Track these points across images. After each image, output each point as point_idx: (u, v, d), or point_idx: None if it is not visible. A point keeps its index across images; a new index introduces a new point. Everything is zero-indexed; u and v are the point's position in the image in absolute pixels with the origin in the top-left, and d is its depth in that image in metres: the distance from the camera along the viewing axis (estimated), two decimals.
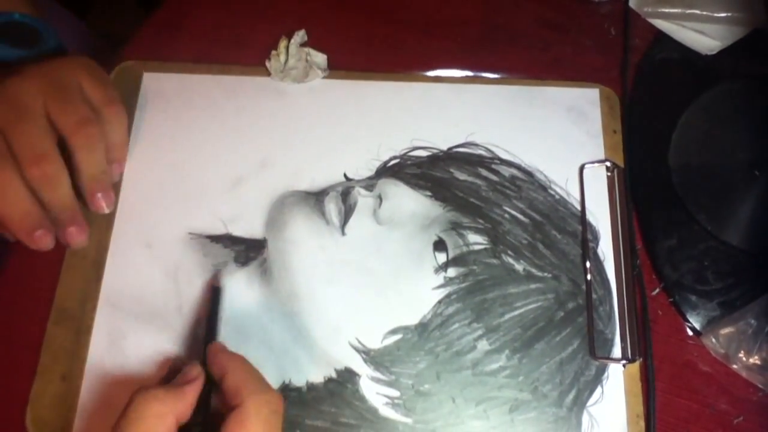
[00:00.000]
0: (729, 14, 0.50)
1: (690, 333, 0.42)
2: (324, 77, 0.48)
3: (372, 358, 0.40)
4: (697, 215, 0.44)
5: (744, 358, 0.40)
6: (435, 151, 0.46)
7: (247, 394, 0.33)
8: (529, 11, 0.52)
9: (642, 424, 0.39)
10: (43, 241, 0.40)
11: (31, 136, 0.39)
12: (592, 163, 0.46)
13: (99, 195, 0.42)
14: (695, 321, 0.42)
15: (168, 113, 0.46)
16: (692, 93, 0.48)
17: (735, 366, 0.40)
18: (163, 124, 0.46)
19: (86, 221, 0.41)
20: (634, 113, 0.48)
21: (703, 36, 0.50)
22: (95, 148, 0.41)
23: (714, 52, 0.50)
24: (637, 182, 0.46)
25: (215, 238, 0.43)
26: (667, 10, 0.51)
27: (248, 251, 0.43)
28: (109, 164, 0.42)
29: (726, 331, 0.41)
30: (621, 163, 0.46)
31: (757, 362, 0.40)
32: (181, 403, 0.34)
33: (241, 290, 0.42)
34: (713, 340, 0.41)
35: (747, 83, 0.49)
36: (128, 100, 0.46)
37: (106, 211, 0.43)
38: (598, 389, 0.40)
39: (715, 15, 0.50)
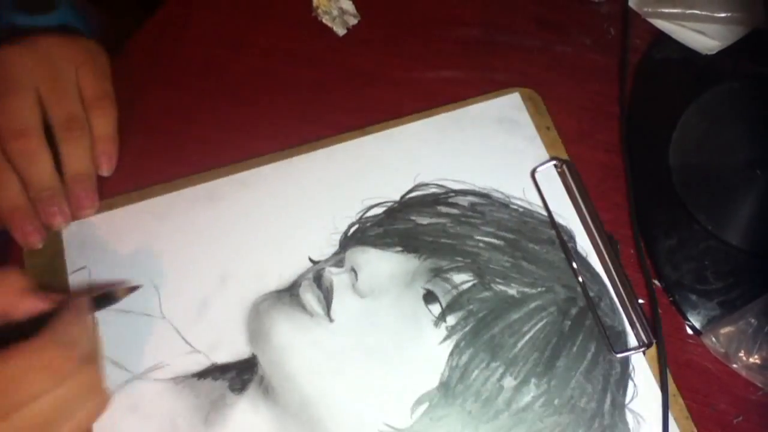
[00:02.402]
0: (729, 14, 0.50)
1: (690, 332, 0.42)
2: (357, 22, 0.50)
3: None
4: (697, 215, 0.44)
5: (744, 358, 0.40)
6: (389, 204, 0.45)
7: None
8: (529, 11, 0.52)
9: (681, 401, 0.39)
10: (32, 238, 0.41)
11: (16, 110, 0.40)
12: (540, 165, 0.46)
13: (82, 194, 0.42)
14: (695, 320, 0.42)
15: (102, 260, 0.42)
16: (692, 93, 0.48)
17: (735, 365, 0.41)
18: (102, 273, 0.42)
19: (68, 208, 0.42)
20: (634, 113, 0.48)
21: (703, 36, 0.50)
22: (80, 145, 0.42)
23: (714, 52, 0.50)
24: (638, 182, 0.46)
25: (202, 374, 0.39)
26: (666, 10, 0.51)
27: (241, 375, 0.39)
28: (96, 157, 0.43)
29: (726, 330, 0.41)
30: (565, 156, 0.46)
31: (757, 362, 0.40)
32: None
33: (249, 419, 0.38)
34: (713, 339, 0.41)
35: (747, 83, 0.49)
36: (54, 262, 0.42)
37: (89, 212, 0.43)
38: (630, 384, 0.40)
39: (715, 15, 0.50)
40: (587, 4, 0.53)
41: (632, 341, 0.41)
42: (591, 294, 0.42)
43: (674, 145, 0.47)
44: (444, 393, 0.39)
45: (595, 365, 0.40)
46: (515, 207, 0.45)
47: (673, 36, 0.51)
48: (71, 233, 0.43)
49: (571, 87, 0.49)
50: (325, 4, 0.50)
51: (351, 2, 0.51)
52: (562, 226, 0.44)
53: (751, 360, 0.40)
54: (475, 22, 0.52)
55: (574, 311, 0.41)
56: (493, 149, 0.47)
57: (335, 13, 0.49)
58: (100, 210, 0.44)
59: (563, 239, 0.43)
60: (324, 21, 0.50)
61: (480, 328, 0.41)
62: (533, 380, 0.39)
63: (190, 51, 0.50)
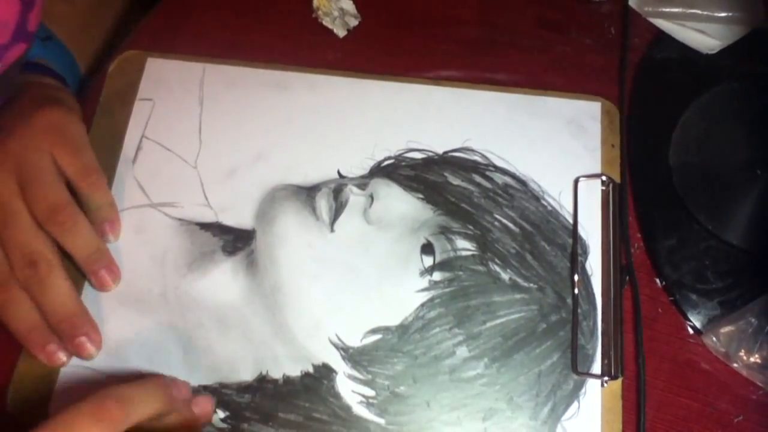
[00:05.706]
0: (729, 14, 0.50)
1: (690, 332, 0.42)
2: (358, 23, 0.50)
3: (350, 356, 0.40)
4: (697, 215, 0.44)
5: (744, 357, 0.40)
6: (430, 153, 0.46)
7: None
8: (529, 11, 0.52)
9: None
10: (57, 357, 0.38)
11: (19, 237, 0.37)
12: (588, 176, 0.45)
13: (102, 272, 0.40)
14: (696, 320, 0.42)
15: (168, 99, 0.47)
16: (692, 93, 0.48)
17: (735, 365, 0.40)
18: (162, 109, 0.46)
19: (97, 333, 0.39)
20: (634, 113, 0.48)
21: (704, 35, 0.50)
22: (77, 230, 0.39)
23: (714, 52, 0.49)
24: (638, 182, 0.45)
25: (205, 226, 0.43)
26: (667, 10, 0.50)
27: (236, 241, 0.43)
28: (98, 225, 0.41)
29: (726, 330, 0.40)
30: (617, 178, 0.46)
31: (758, 361, 0.40)
32: None
33: (226, 280, 0.42)
34: (714, 339, 0.41)
35: (747, 83, 0.48)
36: (129, 88, 0.47)
37: (114, 286, 0.41)
38: (575, 404, 0.39)
39: (716, 14, 0.50)
40: (587, 4, 0.52)
41: (596, 368, 0.41)
42: (579, 310, 0.42)
43: (674, 145, 0.46)
44: (400, 334, 0.40)
45: (550, 373, 0.40)
46: (545, 203, 0.45)
47: (674, 35, 0.50)
48: (153, 65, 0.48)
49: (571, 87, 0.49)
50: (325, 5, 0.49)
51: (351, 2, 0.50)
52: (581, 239, 0.44)
53: (752, 359, 0.40)
54: (475, 21, 0.51)
55: (553, 318, 0.41)
56: (550, 145, 0.47)
57: (336, 14, 0.49)
58: (184, 59, 0.48)
59: (576, 250, 0.43)
60: (324, 23, 0.50)
61: (459, 295, 0.41)
62: (485, 360, 0.40)
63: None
